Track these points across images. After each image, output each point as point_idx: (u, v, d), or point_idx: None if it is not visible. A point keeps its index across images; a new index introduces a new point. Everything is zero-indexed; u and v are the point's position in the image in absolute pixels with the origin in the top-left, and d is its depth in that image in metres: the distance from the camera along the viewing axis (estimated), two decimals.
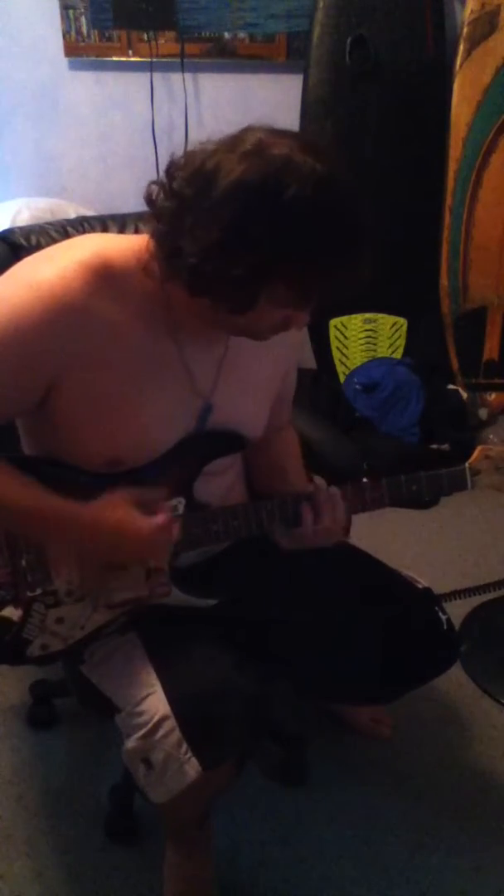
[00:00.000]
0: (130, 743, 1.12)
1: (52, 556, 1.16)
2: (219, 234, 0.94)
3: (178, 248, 0.98)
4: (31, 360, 1.04)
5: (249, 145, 0.95)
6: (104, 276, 1.05)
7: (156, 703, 1.10)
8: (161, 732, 1.08)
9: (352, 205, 0.97)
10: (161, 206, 1.01)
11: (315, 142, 0.98)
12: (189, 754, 1.08)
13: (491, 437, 1.24)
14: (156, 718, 1.09)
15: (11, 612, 1.18)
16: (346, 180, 0.97)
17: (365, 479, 1.22)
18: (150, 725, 1.09)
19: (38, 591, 1.17)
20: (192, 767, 1.08)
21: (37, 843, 1.49)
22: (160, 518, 1.08)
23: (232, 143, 0.96)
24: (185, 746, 1.08)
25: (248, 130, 0.98)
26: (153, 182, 1.02)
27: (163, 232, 1.01)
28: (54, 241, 1.39)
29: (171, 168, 1.01)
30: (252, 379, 1.22)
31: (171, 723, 1.08)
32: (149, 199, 1.03)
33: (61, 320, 1.02)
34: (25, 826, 1.52)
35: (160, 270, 1.04)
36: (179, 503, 1.16)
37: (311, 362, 2.78)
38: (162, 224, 1.01)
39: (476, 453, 1.23)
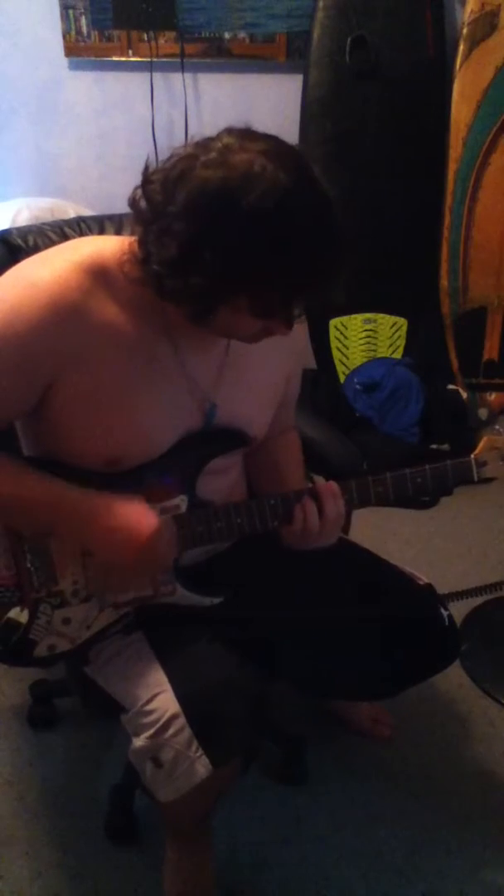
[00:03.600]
0: (139, 742, 1.12)
1: (58, 555, 1.17)
2: (176, 247, 0.94)
3: (148, 253, 0.99)
4: (29, 360, 1.05)
5: (214, 152, 0.93)
6: (99, 277, 1.06)
7: (165, 701, 1.10)
8: (171, 731, 1.09)
9: (316, 217, 0.94)
10: (139, 210, 1.02)
11: (287, 148, 0.95)
12: (199, 752, 1.08)
13: (497, 427, 1.22)
14: (166, 717, 1.09)
15: (18, 614, 1.18)
16: (312, 190, 0.94)
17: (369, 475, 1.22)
18: (159, 724, 1.09)
19: (44, 592, 1.17)
20: (203, 765, 1.08)
21: (37, 843, 1.49)
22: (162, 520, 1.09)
23: (201, 149, 0.95)
24: (195, 744, 1.08)
25: (222, 134, 0.97)
26: (138, 187, 1.02)
27: (140, 235, 1.02)
28: (52, 241, 1.39)
29: (148, 172, 1.01)
30: (254, 379, 1.22)
31: (181, 721, 1.08)
32: (132, 203, 1.03)
33: (57, 320, 1.03)
34: (25, 826, 1.52)
35: (137, 273, 1.04)
36: (182, 501, 1.16)
37: (311, 362, 2.78)
38: (139, 228, 1.02)
39: (482, 444, 1.20)
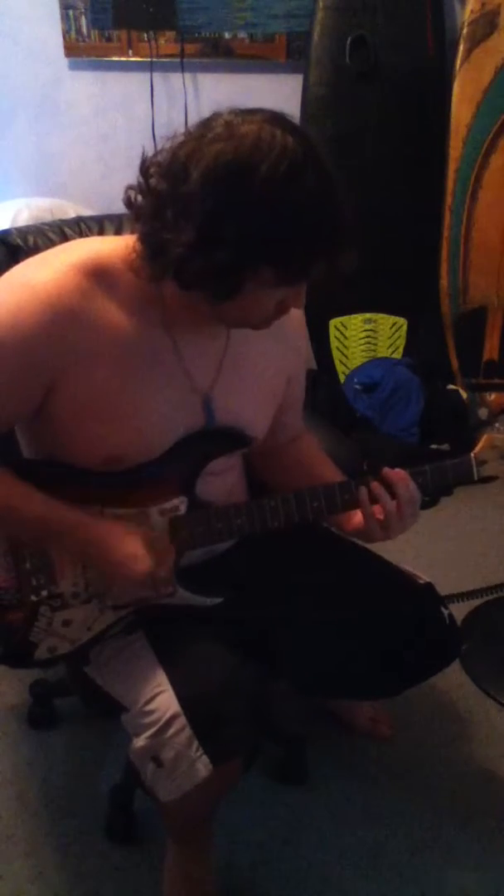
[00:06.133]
0: (140, 742, 1.12)
1: (58, 558, 1.17)
2: (197, 225, 0.94)
3: (162, 243, 0.98)
4: (29, 363, 1.05)
5: (219, 128, 0.95)
6: (98, 278, 1.06)
7: (166, 701, 1.10)
8: (171, 731, 1.08)
9: (327, 178, 0.96)
10: (140, 206, 1.02)
11: (283, 116, 0.98)
12: (200, 752, 1.08)
13: (497, 425, 1.22)
14: (166, 717, 1.09)
15: (18, 616, 1.18)
16: (317, 151, 0.97)
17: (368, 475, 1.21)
18: (160, 724, 1.09)
19: (44, 595, 1.17)
20: (203, 765, 1.08)
21: (37, 842, 1.49)
22: (163, 571, 1.12)
23: (201, 130, 0.97)
24: (195, 744, 1.08)
25: (215, 115, 0.98)
26: (130, 187, 1.03)
27: (145, 232, 1.02)
28: (52, 242, 1.40)
29: (146, 166, 1.01)
30: (254, 377, 1.22)
31: (181, 721, 1.08)
32: (128, 203, 1.04)
33: (57, 321, 1.03)
34: (25, 826, 1.52)
35: (147, 270, 1.04)
36: (182, 503, 1.16)
37: (311, 362, 2.78)
38: (143, 224, 1.02)
39: (482, 442, 1.20)
